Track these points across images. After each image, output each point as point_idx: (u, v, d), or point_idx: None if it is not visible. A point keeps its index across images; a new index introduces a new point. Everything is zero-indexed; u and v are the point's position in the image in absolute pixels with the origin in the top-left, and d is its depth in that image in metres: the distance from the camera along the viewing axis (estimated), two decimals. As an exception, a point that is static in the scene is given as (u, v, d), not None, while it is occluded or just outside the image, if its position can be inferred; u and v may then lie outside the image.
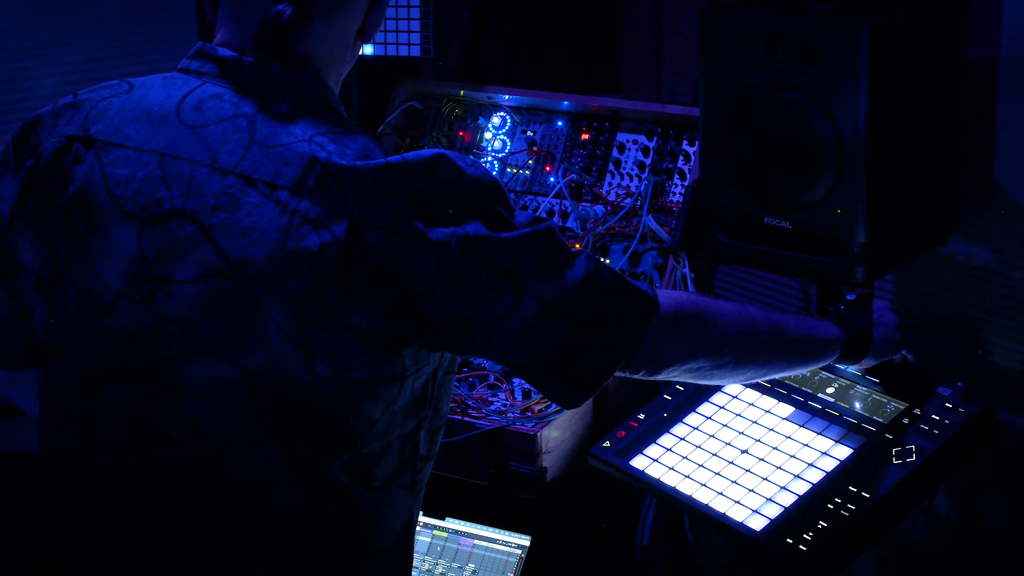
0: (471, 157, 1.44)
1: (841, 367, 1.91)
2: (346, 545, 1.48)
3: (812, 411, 1.91)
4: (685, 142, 2.33)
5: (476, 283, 1.42)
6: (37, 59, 2.69)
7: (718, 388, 1.99)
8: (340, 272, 1.38)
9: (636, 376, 1.53)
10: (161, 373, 1.44)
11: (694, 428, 1.94)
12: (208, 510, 1.45)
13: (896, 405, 1.86)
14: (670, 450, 1.91)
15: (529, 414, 2.04)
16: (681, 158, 2.32)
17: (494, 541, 2.07)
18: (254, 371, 1.41)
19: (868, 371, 1.91)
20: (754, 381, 1.92)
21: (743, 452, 1.88)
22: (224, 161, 1.43)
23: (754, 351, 1.63)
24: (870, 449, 1.81)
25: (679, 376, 1.58)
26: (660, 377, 1.56)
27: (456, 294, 1.41)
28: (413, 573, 1.59)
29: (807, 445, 1.85)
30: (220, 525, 1.45)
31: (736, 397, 1.98)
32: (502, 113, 2.50)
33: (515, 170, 2.46)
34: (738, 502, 1.79)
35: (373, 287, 1.40)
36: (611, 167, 2.38)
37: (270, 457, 1.43)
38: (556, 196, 2.37)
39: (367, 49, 2.52)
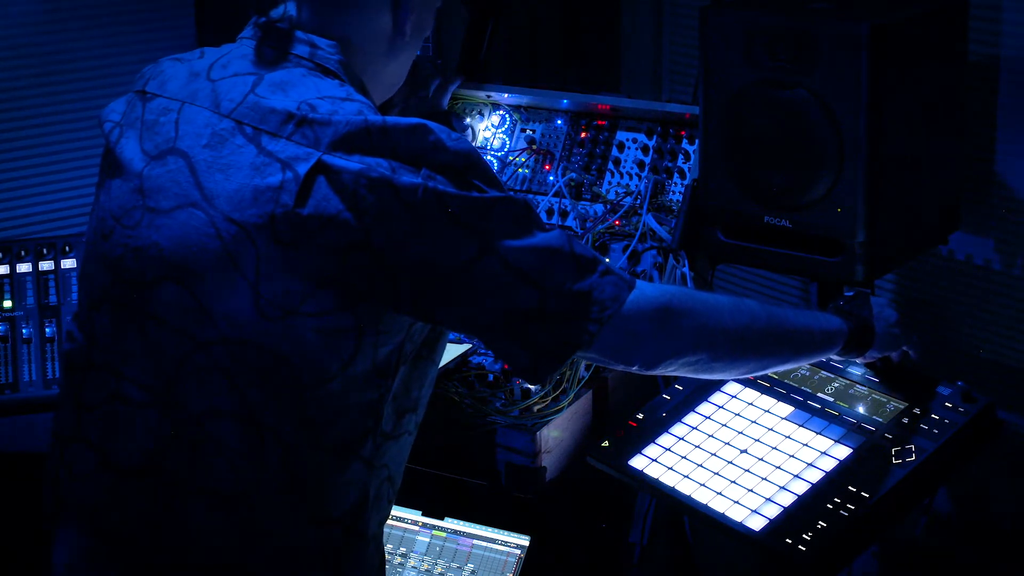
0: (456, 133, 1.47)
1: (842, 362, 1.90)
2: (285, 501, 1.49)
3: (812, 410, 1.90)
4: (685, 141, 2.33)
5: (437, 228, 1.43)
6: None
7: (717, 388, 1.98)
8: (294, 208, 1.41)
9: (631, 369, 1.53)
10: (135, 299, 1.51)
11: (693, 428, 1.93)
12: (162, 434, 1.49)
13: (896, 405, 1.86)
14: (669, 450, 1.91)
15: (528, 414, 2.03)
16: (681, 157, 2.32)
17: (493, 541, 2.06)
18: (209, 302, 1.46)
19: (868, 367, 1.91)
20: (758, 374, 1.92)
21: (742, 452, 1.87)
22: (224, 108, 1.51)
23: (753, 344, 1.63)
24: (870, 449, 1.81)
25: (677, 370, 1.58)
26: (658, 371, 1.56)
27: (415, 240, 1.43)
28: (412, 573, 1.59)
29: (807, 445, 1.85)
30: (170, 453, 1.49)
31: (735, 396, 1.97)
32: (501, 112, 2.50)
33: (515, 168, 2.46)
34: (738, 502, 1.79)
35: (327, 227, 1.42)
36: (611, 166, 2.38)
37: (217, 389, 1.46)
38: (556, 195, 2.36)
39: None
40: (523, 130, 2.48)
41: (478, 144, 2.49)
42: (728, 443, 1.89)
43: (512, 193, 1.47)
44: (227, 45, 1.64)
